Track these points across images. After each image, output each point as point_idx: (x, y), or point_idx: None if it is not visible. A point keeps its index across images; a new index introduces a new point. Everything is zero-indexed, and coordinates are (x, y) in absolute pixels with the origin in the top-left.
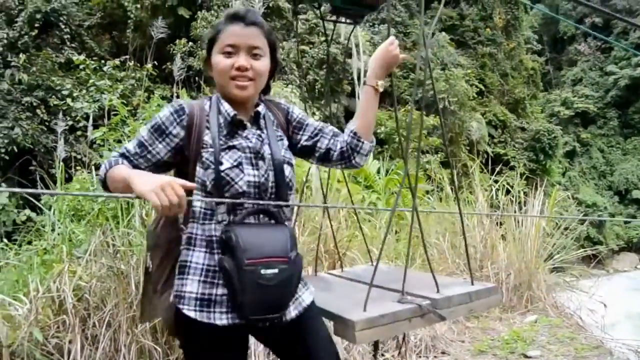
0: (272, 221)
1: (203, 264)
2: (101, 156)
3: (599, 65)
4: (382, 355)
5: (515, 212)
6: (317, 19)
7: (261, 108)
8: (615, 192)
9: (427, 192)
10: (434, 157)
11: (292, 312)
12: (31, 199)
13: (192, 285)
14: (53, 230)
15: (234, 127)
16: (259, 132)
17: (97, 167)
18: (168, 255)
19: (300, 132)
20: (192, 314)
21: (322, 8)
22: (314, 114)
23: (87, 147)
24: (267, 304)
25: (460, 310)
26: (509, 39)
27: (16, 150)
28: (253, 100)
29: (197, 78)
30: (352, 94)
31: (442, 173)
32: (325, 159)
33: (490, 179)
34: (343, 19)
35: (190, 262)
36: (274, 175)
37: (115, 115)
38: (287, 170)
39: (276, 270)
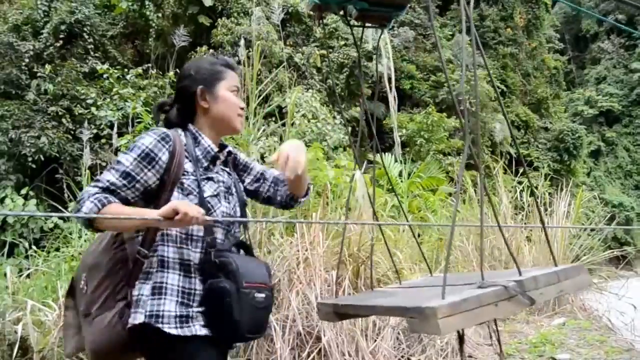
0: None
1: (179, 286)
2: None
3: (623, 62)
4: (408, 359)
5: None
6: (337, 22)
7: (231, 148)
8: None
9: (450, 194)
10: (456, 159)
11: None
12: (59, 206)
13: (170, 305)
14: (80, 237)
15: (210, 162)
16: (227, 169)
17: None
18: (109, 277)
19: (245, 174)
20: (173, 331)
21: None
22: (334, 117)
23: (112, 155)
24: (258, 324)
25: (550, 291)
26: (530, 38)
27: (43, 158)
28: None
29: None
30: (371, 97)
31: (465, 175)
32: (267, 202)
33: (514, 180)
34: (369, 24)
35: (167, 283)
36: (240, 210)
37: (139, 122)
38: (245, 208)
39: (264, 295)
